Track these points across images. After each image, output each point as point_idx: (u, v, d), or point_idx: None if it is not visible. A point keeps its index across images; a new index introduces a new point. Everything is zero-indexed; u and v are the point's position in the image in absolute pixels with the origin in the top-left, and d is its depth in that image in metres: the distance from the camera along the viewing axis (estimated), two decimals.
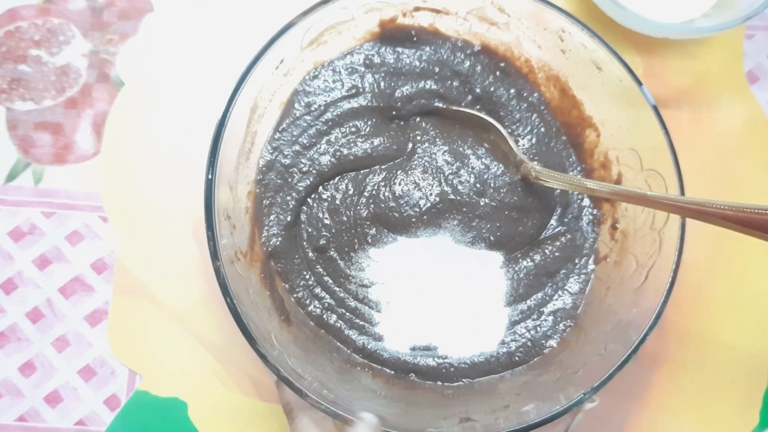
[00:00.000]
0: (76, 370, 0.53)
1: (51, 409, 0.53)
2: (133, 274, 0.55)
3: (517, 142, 0.56)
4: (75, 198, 0.56)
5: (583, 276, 0.54)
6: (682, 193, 0.48)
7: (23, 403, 0.53)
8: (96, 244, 0.55)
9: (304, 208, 0.54)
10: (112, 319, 0.54)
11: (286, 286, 0.52)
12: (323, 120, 0.54)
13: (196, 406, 0.53)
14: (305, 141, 0.54)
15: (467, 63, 0.56)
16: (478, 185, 0.54)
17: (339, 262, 0.53)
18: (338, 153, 0.54)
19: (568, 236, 0.55)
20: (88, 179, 0.57)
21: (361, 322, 0.52)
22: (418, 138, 0.56)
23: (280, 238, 0.52)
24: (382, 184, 0.54)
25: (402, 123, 0.56)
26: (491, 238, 0.54)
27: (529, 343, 0.52)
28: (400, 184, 0.54)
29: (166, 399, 0.53)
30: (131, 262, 0.55)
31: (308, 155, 0.54)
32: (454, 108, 0.56)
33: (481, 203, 0.54)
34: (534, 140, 0.56)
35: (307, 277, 0.53)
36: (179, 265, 0.55)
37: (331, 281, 0.53)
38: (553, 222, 0.55)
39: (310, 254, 0.53)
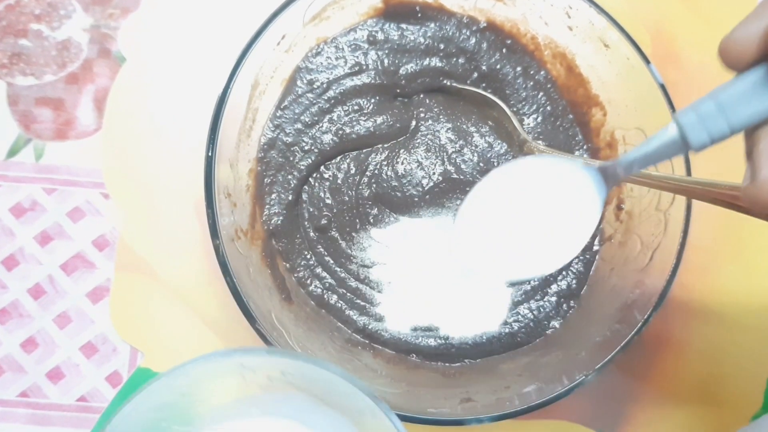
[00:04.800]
0: (77, 346, 0.53)
1: (53, 385, 0.53)
2: (135, 251, 0.55)
3: (522, 121, 0.55)
4: (76, 174, 0.56)
5: (587, 256, 0.54)
6: (689, 173, 0.47)
7: (25, 379, 0.53)
8: (97, 221, 0.55)
9: (306, 187, 0.53)
10: (114, 296, 0.54)
11: (287, 265, 0.52)
12: (326, 98, 0.54)
13: None
14: (307, 119, 0.53)
15: (473, 40, 0.55)
16: (481, 164, 0.54)
17: (340, 242, 0.53)
18: (340, 131, 0.53)
19: None
20: (90, 155, 0.56)
21: (362, 303, 0.52)
22: (422, 115, 0.55)
23: (281, 217, 0.52)
24: (385, 163, 0.54)
25: (406, 100, 0.55)
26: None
27: (531, 324, 0.52)
28: (402, 164, 0.54)
29: None
30: (133, 239, 0.55)
31: (310, 133, 0.53)
32: (458, 86, 0.55)
33: None
34: (540, 119, 0.55)
35: (308, 256, 0.53)
36: (181, 243, 0.55)
37: (332, 261, 0.53)
38: None
39: (312, 234, 0.53)
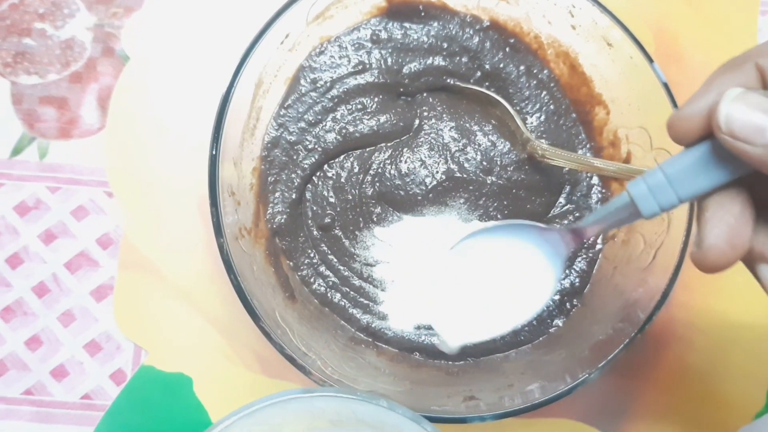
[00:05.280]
0: (81, 344, 0.54)
1: (57, 383, 0.53)
2: (139, 250, 0.55)
3: (525, 119, 0.55)
4: (80, 173, 0.56)
5: (590, 255, 0.54)
6: None
7: (29, 377, 0.53)
8: (101, 219, 0.55)
9: (309, 186, 0.53)
10: (118, 294, 0.54)
11: (291, 264, 0.52)
12: (329, 97, 0.54)
13: (201, 382, 0.53)
14: (311, 118, 0.53)
15: (476, 39, 0.55)
16: (484, 163, 0.54)
17: (344, 240, 0.53)
18: (344, 130, 0.53)
19: (577, 214, 0.55)
20: (94, 154, 0.56)
21: (366, 301, 0.52)
22: (425, 114, 0.55)
23: (284, 216, 0.52)
24: (388, 162, 0.54)
25: (409, 99, 0.55)
26: (498, 216, 0.54)
27: (534, 322, 0.52)
28: (405, 162, 0.54)
29: (171, 374, 0.53)
30: (136, 237, 0.55)
31: (314, 132, 0.53)
32: (461, 84, 0.55)
33: (488, 181, 0.54)
34: (543, 118, 0.56)
35: (312, 255, 0.53)
36: (185, 241, 0.55)
37: (335, 260, 0.53)
38: (561, 200, 0.55)
39: (315, 232, 0.53)
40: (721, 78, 0.31)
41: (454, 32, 0.55)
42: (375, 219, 0.53)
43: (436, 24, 0.55)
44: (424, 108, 0.55)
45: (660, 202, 0.32)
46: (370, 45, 0.54)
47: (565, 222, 0.54)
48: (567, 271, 0.53)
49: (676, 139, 0.32)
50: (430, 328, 0.52)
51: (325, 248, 0.53)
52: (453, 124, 0.55)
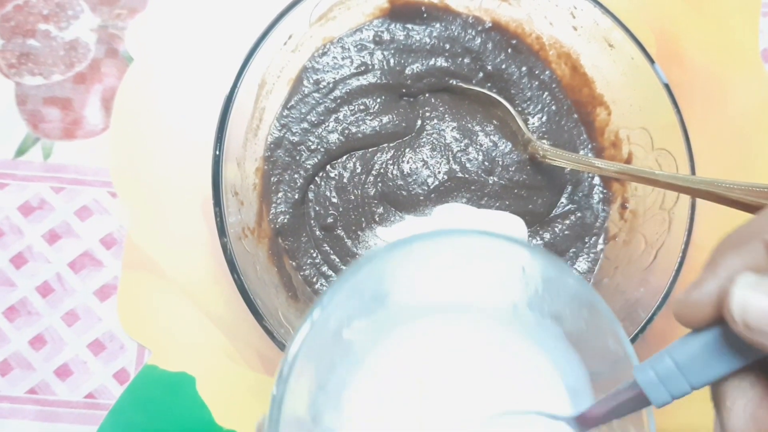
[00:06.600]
0: (85, 344, 0.54)
1: (61, 382, 0.53)
2: (142, 250, 0.55)
3: (527, 120, 0.55)
4: (84, 173, 0.56)
5: (592, 255, 0.54)
6: (693, 173, 0.47)
7: (33, 376, 0.53)
8: (105, 219, 0.56)
9: (312, 186, 0.54)
10: (121, 293, 0.55)
11: (294, 264, 0.52)
12: (332, 97, 0.54)
13: (204, 381, 0.53)
14: (313, 118, 0.53)
15: (478, 40, 0.56)
16: (486, 163, 0.54)
17: (346, 240, 0.53)
18: (346, 131, 0.54)
19: (578, 215, 0.55)
20: (98, 154, 0.57)
21: None
22: (427, 114, 0.55)
23: (287, 216, 0.52)
24: (390, 162, 0.54)
25: (411, 100, 0.56)
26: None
27: None
28: (408, 162, 0.54)
29: (174, 373, 0.53)
30: (140, 237, 0.55)
31: (316, 133, 0.53)
32: (463, 85, 0.55)
33: (490, 181, 0.54)
34: (545, 118, 0.56)
35: (314, 255, 0.53)
36: (188, 241, 0.55)
37: (338, 259, 0.53)
38: (563, 200, 0.55)
39: (318, 232, 0.53)
40: (728, 260, 0.29)
41: (456, 33, 0.55)
42: (377, 219, 0.54)
43: (438, 25, 0.55)
44: (426, 108, 0.55)
45: (671, 391, 0.30)
46: (372, 46, 0.55)
47: (567, 222, 0.54)
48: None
49: (684, 324, 0.29)
50: None
51: (328, 248, 0.53)
52: (455, 124, 0.55)
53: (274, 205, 0.52)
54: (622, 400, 0.32)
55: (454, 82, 0.55)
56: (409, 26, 0.55)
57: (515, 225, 0.53)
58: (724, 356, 0.28)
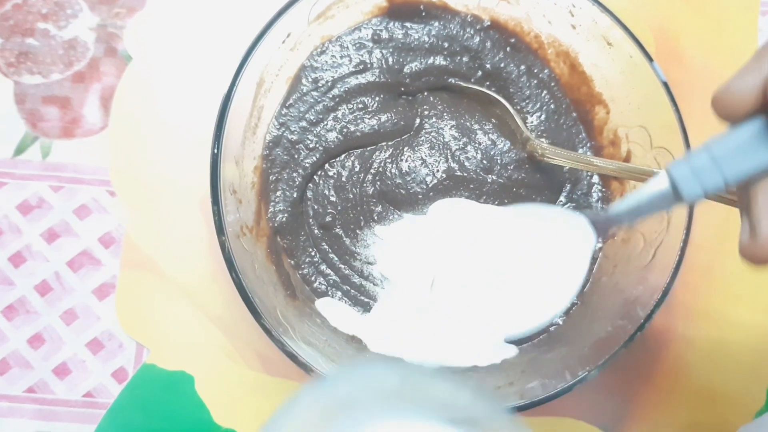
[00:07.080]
0: (84, 343, 0.54)
1: (59, 381, 0.53)
2: (141, 248, 0.55)
3: (526, 119, 0.55)
4: (83, 172, 0.56)
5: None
6: None
7: (32, 375, 0.53)
8: (104, 218, 0.56)
9: (311, 185, 0.54)
10: (120, 292, 0.55)
11: (292, 262, 0.52)
12: (330, 96, 0.54)
13: (202, 380, 0.53)
14: (312, 117, 0.53)
15: (477, 38, 0.55)
16: (485, 162, 0.54)
17: (344, 239, 0.53)
18: (345, 130, 0.54)
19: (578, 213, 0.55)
20: (96, 153, 0.57)
21: (366, 299, 0.52)
22: (426, 113, 0.55)
23: (286, 215, 0.52)
24: (389, 160, 0.54)
25: (410, 99, 0.56)
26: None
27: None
28: (406, 161, 0.54)
29: (173, 372, 0.53)
30: (139, 236, 0.55)
31: (315, 131, 0.53)
32: (462, 84, 0.55)
33: (489, 180, 0.54)
34: (544, 117, 0.56)
35: (313, 254, 0.53)
36: (186, 240, 0.55)
37: (336, 258, 0.53)
38: (562, 199, 0.55)
39: (316, 231, 0.53)
40: None
41: (454, 32, 0.55)
42: (376, 218, 0.54)
43: (437, 24, 0.55)
44: (424, 107, 0.55)
45: (704, 185, 0.29)
46: (371, 44, 0.55)
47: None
48: None
49: (724, 116, 0.29)
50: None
51: (326, 247, 0.53)
52: (453, 123, 0.55)
53: (272, 203, 0.52)
54: (649, 197, 0.31)
55: (453, 81, 0.55)
56: (408, 25, 0.55)
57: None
58: (762, 149, 0.28)
